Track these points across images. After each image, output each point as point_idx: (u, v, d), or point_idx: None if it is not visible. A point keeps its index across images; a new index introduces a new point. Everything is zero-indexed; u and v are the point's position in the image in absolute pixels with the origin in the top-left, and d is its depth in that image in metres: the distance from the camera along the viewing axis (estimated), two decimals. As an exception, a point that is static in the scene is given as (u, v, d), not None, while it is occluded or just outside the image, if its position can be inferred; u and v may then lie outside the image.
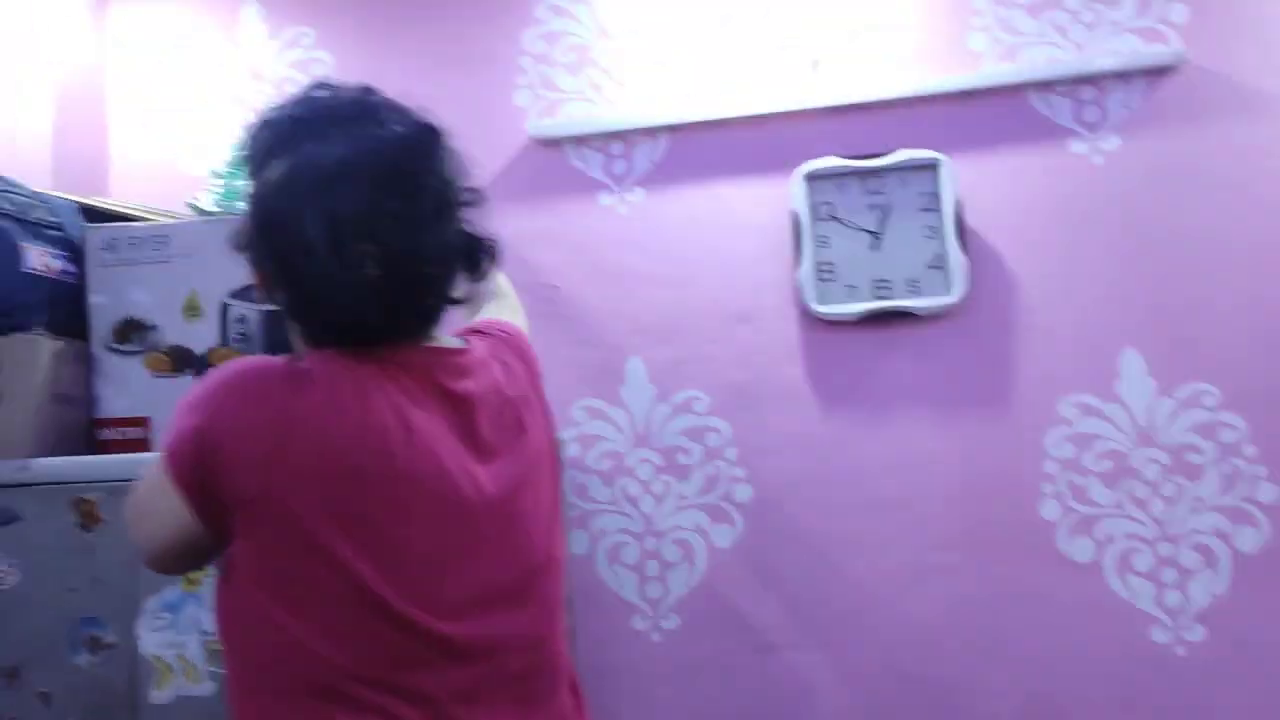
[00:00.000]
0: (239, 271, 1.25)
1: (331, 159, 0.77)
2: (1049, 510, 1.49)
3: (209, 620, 1.07)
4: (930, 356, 1.53)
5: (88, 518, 1.10)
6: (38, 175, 1.57)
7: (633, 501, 1.58)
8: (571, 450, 1.60)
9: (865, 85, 1.56)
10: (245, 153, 0.83)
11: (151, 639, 1.08)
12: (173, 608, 1.08)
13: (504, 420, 0.85)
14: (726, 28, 1.63)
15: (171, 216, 1.35)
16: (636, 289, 1.61)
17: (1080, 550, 1.48)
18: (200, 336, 1.28)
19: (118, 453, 1.27)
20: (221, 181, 1.42)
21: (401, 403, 0.76)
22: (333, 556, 0.70)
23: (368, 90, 0.84)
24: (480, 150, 1.65)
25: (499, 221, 1.65)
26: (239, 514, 0.72)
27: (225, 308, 1.28)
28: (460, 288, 0.86)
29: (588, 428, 1.60)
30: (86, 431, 1.28)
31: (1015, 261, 1.52)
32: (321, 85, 0.84)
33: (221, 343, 1.27)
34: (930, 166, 1.51)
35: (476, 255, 0.87)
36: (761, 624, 1.54)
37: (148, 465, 0.77)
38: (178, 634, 1.08)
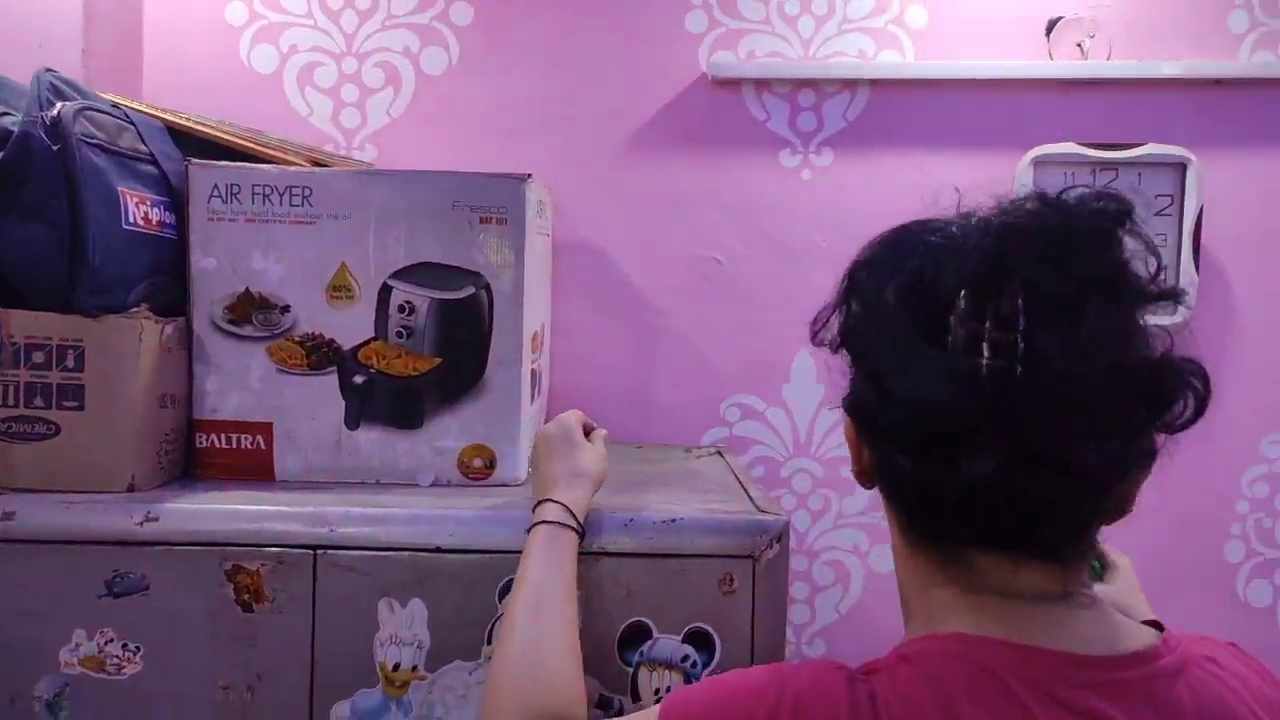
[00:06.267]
0: (411, 245, 0.95)
1: None
2: (1234, 552, 1.39)
3: (420, 733, 0.82)
4: (1139, 380, 1.37)
5: (249, 594, 0.81)
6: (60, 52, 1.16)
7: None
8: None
9: (1110, 59, 1.33)
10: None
11: (338, 754, 0.82)
12: (369, 716, 0.82)
13: None
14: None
15: (306, 155, 1.00)
16: (814, 270, 1.36)
17: (1258, 594, 1.39)
18: (349, 325, 0.96)
19: (221, 466, 0.96)
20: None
21: None
22: None
23: None
24: (640, 81, 1.37)
25: (657, 172, 1.38)
26: None
27: (386, 290, 0.96)
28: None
29: (740, 429, 1.38)
30: (188, 440, 0.97)
31: (1243, 282, 1.36)
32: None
33: (377, 335, 0.97)
34: (1176, 165, 1.31)
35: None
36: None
37: None
38: (375, 749, 0.82)
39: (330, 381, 0.97)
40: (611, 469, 1.11)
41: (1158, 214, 1.33)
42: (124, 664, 0.81)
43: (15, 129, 0.81)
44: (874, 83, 1.34)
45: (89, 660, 0.81)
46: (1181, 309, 1.33)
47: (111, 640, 0.81)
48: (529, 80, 1.35)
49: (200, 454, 0.97)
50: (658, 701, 0.82)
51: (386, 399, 0.97)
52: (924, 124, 1.35)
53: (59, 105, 0.83)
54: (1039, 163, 1.31)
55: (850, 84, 1.34)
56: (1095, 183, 1.33)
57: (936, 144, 1.35)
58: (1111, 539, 0.92)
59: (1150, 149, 1.30)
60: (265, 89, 1.34)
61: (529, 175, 0.96)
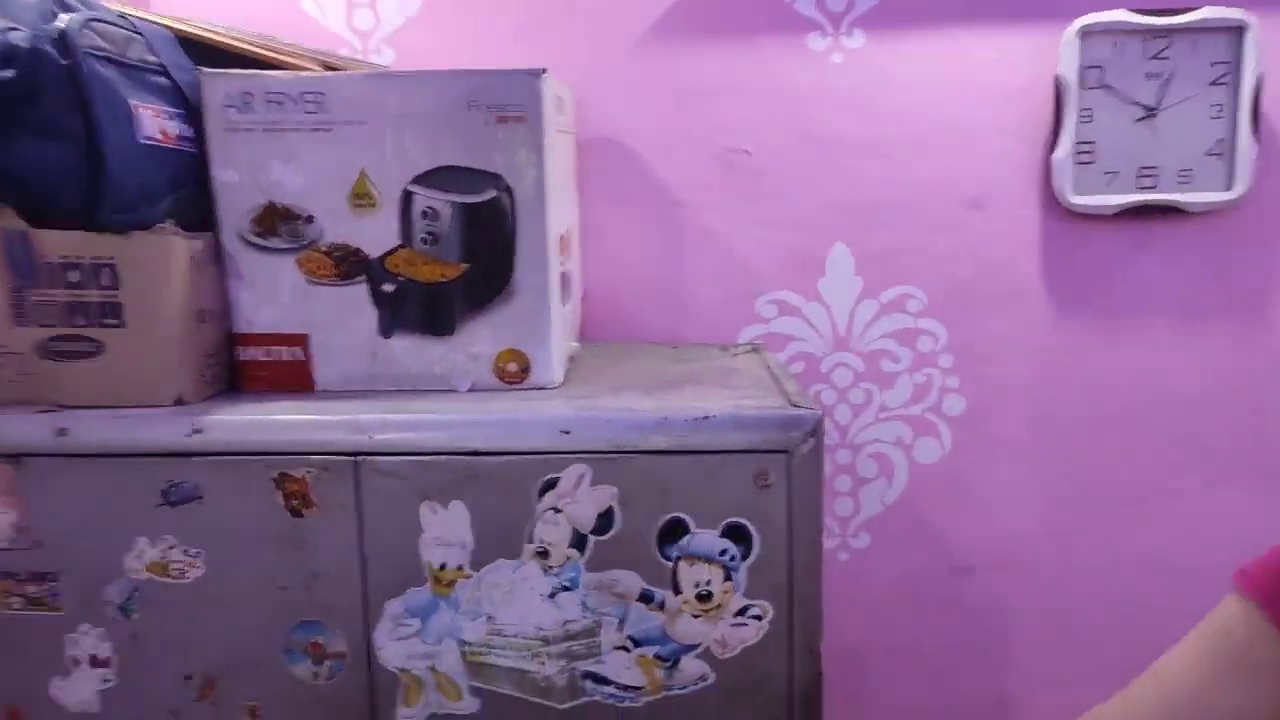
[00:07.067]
0: (430, 149, 0.92)
1: None
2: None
3: (469, 628, 0.85)
4: (1191, 260, 1.31)
5: (297, 499, 0.83)
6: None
7: (826, 411, 1.37)
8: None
9: (1163, -89, 1.23)
10: None
11: (394, 649, 0.85)
12: (420, 613, 0.85)
13: None
14: None
15: (319, 60, 0.97)
16: (846, 160, 1.32)
17: (1314, 477, 1.37)
18: (373, 233, 0.96)
19: (263, 379, 0.97)
20: None
21: None
22: None
23: None
24: (658, -35, 1.30)
25: (680, 61, 1.33)
26: None
27: (408, 197, 0.95)
28: None
29: (777, 325, 1.36)
30: (229, 354, 0.98)
31: (1307, 152, 1.29)
32: None
33: (403, 242, 0.96)
34: (1234, 29, 1.23)
35: None
36: (960, 544, 1.41)
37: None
38: (427, 643, 0.85)
39: (361, 291, 0.97)
40: (646, 369, 1.11)
41: (1213, 83, 1.25)
42: (187, 568, 0.84)
43: (22, 44, 0.80)
44: (910, -47, 1.26)
45: (154, 566, 0.84)
46: (1238, 184, 1.27)
47: (173, 546, 0.84)
48: (545, -30, 1.29)
49: (242, 367, 0.98)
50: (699, 596, 0.84)
51: (417, 306, 0.97)
52: (963, -4, 1.27)
53: (65, 17, 0.81)
54: (1086, 33, 1.24)
55: (884, -44, 1.27)
56: (1145, 53, 1.25)
57: (975, 18, 1.27)
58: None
59: (1206, 12, 1.22)
60: (276, -6, 1.30)
61: (544, 70, 0.93)
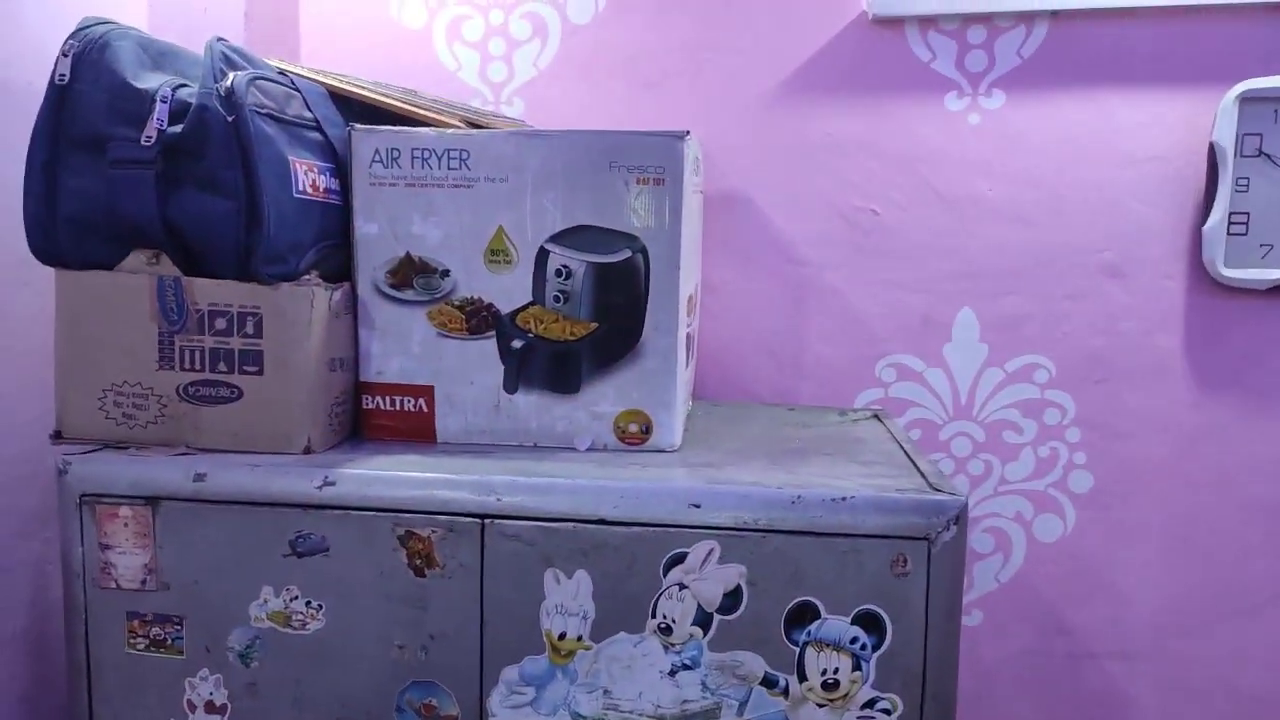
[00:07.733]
0: (568, 208, 0.92)
1: None
2: None
3: (584, 701, 0.83)
4: (1352, 342, 1.23)
5: (421, 559, 0.83)
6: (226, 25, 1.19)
7: (944, 481, 1.32)
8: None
9: (1334, -25, 1.16)
10: None
11: (507, 716, 0.83)
12: (536, 682, 0.83)
13: None
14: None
15: (461, 115, 0.99)
16: (979, 222, 1.27)
17: None
18: (507, 290, 0.96)
19: (385, 428, 0.98)
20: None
21: None
22: None
23: None
24: (794, 22, 1.29)
25: (811, 119, 1.32)
26: None
27: (544, 254, 0.95)
28: None
29: (897, 390, 1.32)
30: (354, 402, 0.99)
31: None
32: None
33: (535, 300, 0.96)
34: None
35: None
36: (1079, 628, 1.33)
37: None
38: (541, 713, 0.83)
39: (489, 345, 0.97)
40: (764, 433, 1.09)
41: (1387, 154, 1.17)
42: (308, 620, 0.84)
43: (193, 100, 0.83)
44: (1054, 14, 1.22)
45: (276, 615, 0.85)
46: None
47: (296, 597, 0.84)
48: (677, 26, 1.29)
49: (367, 415, 0.99)
50: (825, 684, 0.80)
51: (544, 363, 0.97)
52: (1110, 59, 1.22)
53: (231, 75, 0.84)
54: (1247, 99, 1.17)
55: (1027, 17, 1.23)
56: (1312, 120, 1.18)
57: (1124, 81, 1.22)
58: None
59: (1382, 80, 1.14)
60: (416, 45, 1.33)
61: (687, 132, 0.92)
